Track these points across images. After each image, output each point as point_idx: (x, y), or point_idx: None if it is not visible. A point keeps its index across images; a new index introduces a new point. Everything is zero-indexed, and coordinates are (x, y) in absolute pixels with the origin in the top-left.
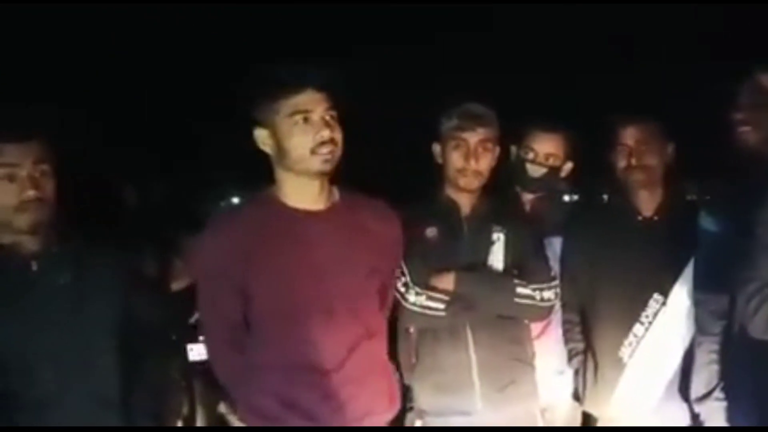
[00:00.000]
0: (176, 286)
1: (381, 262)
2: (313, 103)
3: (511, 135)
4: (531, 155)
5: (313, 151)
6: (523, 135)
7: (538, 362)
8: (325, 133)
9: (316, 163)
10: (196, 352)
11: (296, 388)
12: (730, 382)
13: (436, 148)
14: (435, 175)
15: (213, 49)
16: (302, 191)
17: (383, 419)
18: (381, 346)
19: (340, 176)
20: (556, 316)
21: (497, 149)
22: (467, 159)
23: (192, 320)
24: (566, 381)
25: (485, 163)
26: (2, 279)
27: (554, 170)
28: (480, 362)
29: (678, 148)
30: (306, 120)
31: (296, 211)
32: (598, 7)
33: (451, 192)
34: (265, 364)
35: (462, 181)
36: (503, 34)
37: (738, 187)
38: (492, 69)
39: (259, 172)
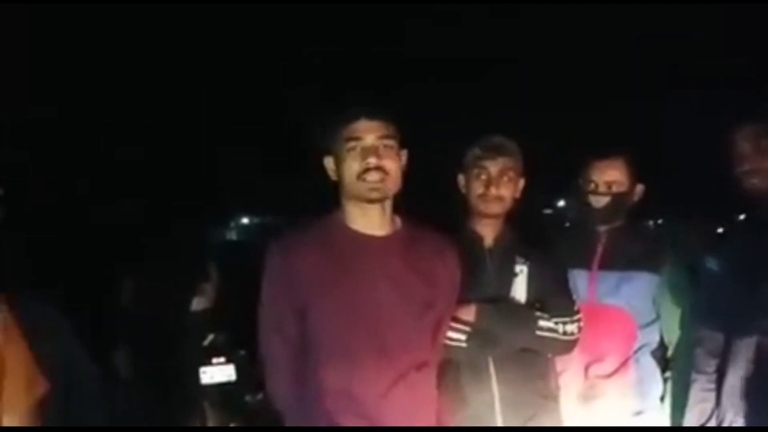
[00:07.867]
0: (197, 306)
1: (436, 295)
2: (365, 130)
3: (573, 169)
4: (592, 186)
5: (359, 177)
6: (582, 167)
7: (614, 403)
8: (371, 160)
9: (363, 190)
10: (209, 375)
11: (345, 415)
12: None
13: (461, 179)
14: (459, 207)
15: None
16: (362, 216)
17: None
18: (429, 378)
19: (401, 206)
20: (636, 355)
21: (521, 180)
22: (488, 186)
23: (206, 343)
24: (645, 422)
25: (506, 190)
26: None
27: (620, 197)
28: (503, 397)
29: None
30: (358, 147)
31: (358, 234)
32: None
33: (474, 223)
34: (318, 388)
35: (483, 207)
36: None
37: (744, 228)
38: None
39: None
